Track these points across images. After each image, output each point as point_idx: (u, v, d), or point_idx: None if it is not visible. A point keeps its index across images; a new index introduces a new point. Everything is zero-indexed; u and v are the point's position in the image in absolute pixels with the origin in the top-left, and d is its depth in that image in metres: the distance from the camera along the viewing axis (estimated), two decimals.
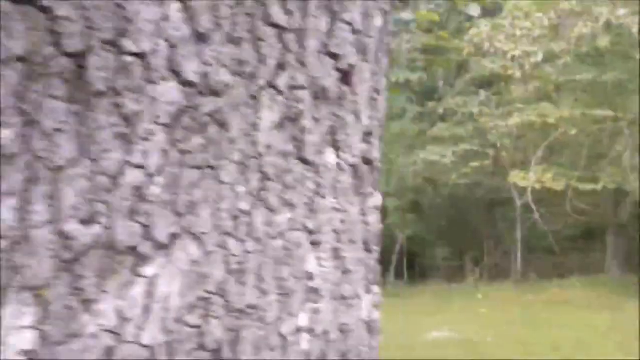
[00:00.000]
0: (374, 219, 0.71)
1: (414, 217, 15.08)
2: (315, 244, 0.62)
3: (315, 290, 0.61)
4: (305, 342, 0.60)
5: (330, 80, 0.62)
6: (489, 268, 17.54)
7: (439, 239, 17.46)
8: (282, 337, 0.58)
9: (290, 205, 0.59)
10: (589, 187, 9.35)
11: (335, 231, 0.64)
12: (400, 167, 13.69)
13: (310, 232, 0.61)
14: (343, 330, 0.65)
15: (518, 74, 8.91)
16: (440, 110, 13.61)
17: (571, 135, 9.67)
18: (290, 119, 0.59)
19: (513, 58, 8.73)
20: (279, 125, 0.58)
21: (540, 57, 8.48)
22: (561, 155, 11.48)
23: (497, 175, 13.92)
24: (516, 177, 10.03)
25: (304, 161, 0.60)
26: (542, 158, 11.78)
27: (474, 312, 10.48)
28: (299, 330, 0.60)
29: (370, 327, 0.70)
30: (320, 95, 0.62)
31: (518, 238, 15.63)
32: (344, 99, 0.64)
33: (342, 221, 0.65)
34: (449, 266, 17.72)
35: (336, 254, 0.64)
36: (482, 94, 12.15)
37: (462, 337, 7.87)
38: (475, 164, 12.20)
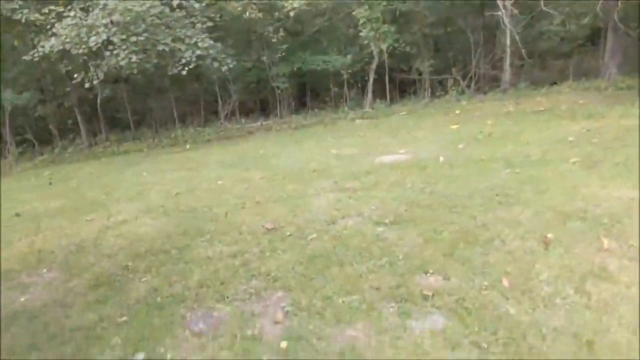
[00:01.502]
0: None
1: (391, 27, 13.36)
2: None
3: None
4: None
5: None
6: (477, 79, 16.33)
7: (423, 51, 15.92)
8: None
9: None
10: None
11: None
12: None
13: None
14: None
15: None
16: None
17: None
18: None
19: None
20: None
21: None
22: None
23: None
24: None
25: None
26: None
27: (444, 129, 9.65)
28: None
29: None
30: None
31: (507, 43, 14.06)
32: None
33: None
34: (434, 80, 16.49)
35: None
36: None
37: (413, 158, 7.10)
38: None
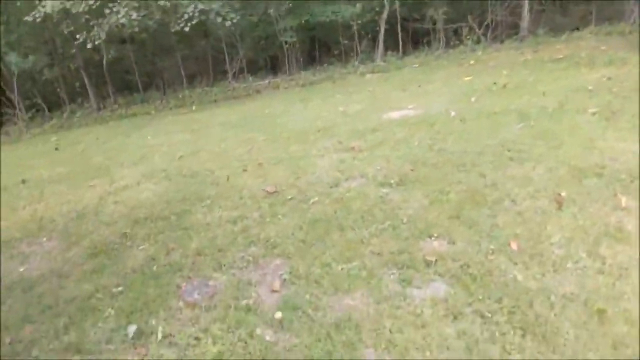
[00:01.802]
0: None
1: None
2: None
3: None
4: None
5: None
6: (494, 26, 15.59)
7: None
8: None
9: None
10: None
11: None
12: None
13: None
14: None
15: None
16: None
17: None
18: None
19: None
20: None
21: None
22: None
23: None
24: None
25: None
26: None
27: (457, 81, 9.25)
28: None
29: None
30: None
31: None
32: None
33: None
34: (448, 30, 15.80)
35: None
36: None
37: (422, 114, 6.82)
38: None
